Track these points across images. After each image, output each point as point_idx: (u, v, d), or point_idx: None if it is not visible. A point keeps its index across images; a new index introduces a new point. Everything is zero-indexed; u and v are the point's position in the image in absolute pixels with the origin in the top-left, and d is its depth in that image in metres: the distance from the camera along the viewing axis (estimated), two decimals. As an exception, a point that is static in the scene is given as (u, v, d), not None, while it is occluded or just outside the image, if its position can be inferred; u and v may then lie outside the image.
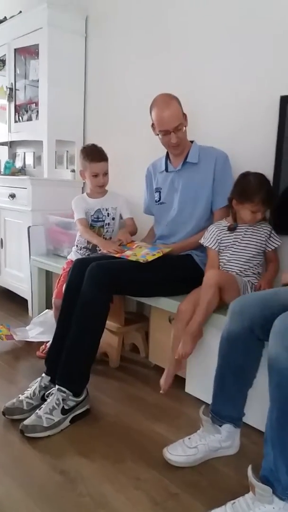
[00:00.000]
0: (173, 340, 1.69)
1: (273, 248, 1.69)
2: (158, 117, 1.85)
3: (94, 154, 2.07)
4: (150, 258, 1.78)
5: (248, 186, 1.63)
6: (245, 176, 1.67)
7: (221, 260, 1.74)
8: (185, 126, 1.88)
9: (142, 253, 1.84)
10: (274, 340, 1.08)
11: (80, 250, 2.17)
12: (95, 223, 2.14)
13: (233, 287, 1.60)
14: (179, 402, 1.79)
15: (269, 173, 1.76)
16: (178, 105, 1.85)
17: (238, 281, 1.63)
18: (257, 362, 1.42)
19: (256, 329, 1.33)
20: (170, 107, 1.82)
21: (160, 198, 2.06)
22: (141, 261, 1.77)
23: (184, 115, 1.88)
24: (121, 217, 2.20)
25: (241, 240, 1.68)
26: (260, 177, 1.65)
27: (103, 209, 2.13)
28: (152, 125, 1.91)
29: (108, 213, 2.14)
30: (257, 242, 1.68)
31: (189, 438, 1.43)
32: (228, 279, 1.60)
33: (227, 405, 1.44)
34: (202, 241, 1.78)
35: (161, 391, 1.69)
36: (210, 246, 1.76)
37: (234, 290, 1.60)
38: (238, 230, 1.70)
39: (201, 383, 1.74)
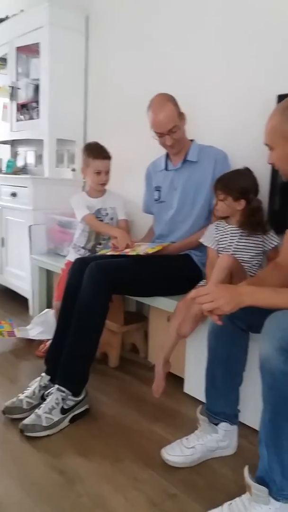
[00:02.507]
0: (164, 337, 1.68)
1: (271, 247, 1.69)
2: (153, 120, 1.85)
3: (98, 151, 2.07)
4: (150, 250, 1.79)
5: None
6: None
7: None
8: (181, 127, 1.88)
9: (141, 248, 1.85)
10: (264, 340, 1.08)
11: (79, 250, 2.17)
12: (94, 223, 2.13)
13: (241, 277, 1.59)
14: (178, 402, 1.80)
15: (266, 172, 1.76)
16: (173, 107, 1.84)
17: (246, 274, 1.63)
18: (243, 352, 1.45)
19: (237, 321, 1.37)
20: (164, 109, 1.82)
21: (159, 197, 2.06)
22: (142, 253, 1.78)
23: (181, 115, 1.88)
24: None
25: (238, 242, 1.68)
26: (241, 169, 1.69)
27: (103, 209, 2.14)
28: None
29: (107, 213, 2.15)
30: (254, 243, 1.67)
31: (186, 439, 1.44)
32: (240, 267, 1.59)
33: (219, 401, 1.45)
34: (201, 240, 1.79)
35: (155, 395, 1.66)
36: (209, 246, 1.76)
37: (242, 279, 1.59)
38: (233, 232, 1.70)
39: (199, 383, 1.73)
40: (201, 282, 1.76)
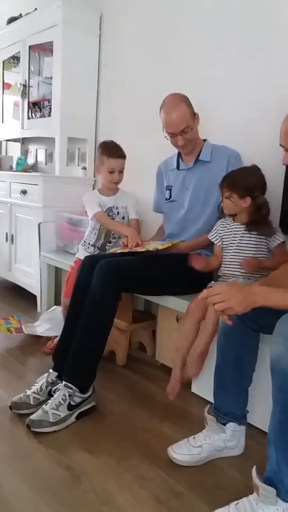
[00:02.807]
0: (178, 338, 1.68)
1: (275, 245, 1.67)
2: (165, 120, 1.85)
3: (113, 150, 2.07)
4: (160, 247, 1.80)
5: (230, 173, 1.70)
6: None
7: (223, 259, 1.74)
8: (194, 127, 1.87)
9: (151, 245, 1.86)
10: (276, 341, 1.08)
11: (88, 248, 2.17)
12: (105, 221, 2.14)
13: None
14: (185, 401, 1.79)
15: (279, 171, 1.75)
16: (186, 107, 1.83)
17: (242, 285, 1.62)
18: (253, 353, 1.44)
19: (248, 322, 1.37)
20: (176, 110, 1.81)
21: (170, 196, 2.06)
22: (151, 249, 1.79)
23: (195, 115, 1.87)
24: None
25: (240, 239, 1.68)
26: (248, 167, 1.69)
27: (114, 207, 2.14)
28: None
29: (118, 212, 2.15)
30: (256, 241, 1.67)
31: (194, 437, 1.43)
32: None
33: (228, 401, 1.45)
34: (209, 234, 1.80)
35: (170, 398, 1.68)
36: (214, 241, 1.78)
37: None
38: (236, 230, 1.70)
39: (207, 383, 1.73)
40: (211, 283, 1.75)
